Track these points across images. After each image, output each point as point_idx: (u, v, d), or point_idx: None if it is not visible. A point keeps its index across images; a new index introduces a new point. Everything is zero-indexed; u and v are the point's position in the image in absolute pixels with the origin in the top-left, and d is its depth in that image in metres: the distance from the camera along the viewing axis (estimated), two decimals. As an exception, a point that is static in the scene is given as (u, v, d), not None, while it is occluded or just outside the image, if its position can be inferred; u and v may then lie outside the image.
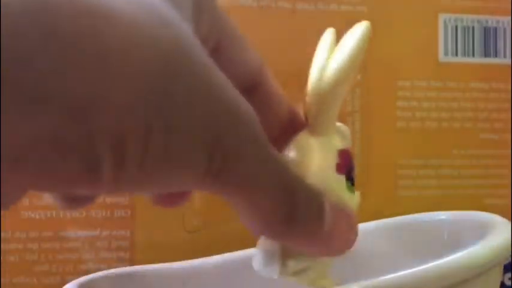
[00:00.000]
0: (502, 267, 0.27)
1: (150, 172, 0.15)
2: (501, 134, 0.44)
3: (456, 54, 0.44)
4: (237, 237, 0.29)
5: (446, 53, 0.44)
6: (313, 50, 0.21)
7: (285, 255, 0.20)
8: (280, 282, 0.21)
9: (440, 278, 0.23)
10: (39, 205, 0.37)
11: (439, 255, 0.24)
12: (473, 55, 0.44)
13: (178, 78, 0.15)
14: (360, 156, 0.42)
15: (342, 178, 0.20)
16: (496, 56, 0.44)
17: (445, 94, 0.43)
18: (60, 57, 0.13)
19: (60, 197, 0.18)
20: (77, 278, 0.29)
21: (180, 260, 0.32)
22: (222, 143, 0.16)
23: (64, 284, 0.28)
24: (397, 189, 0.42)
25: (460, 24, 0.44)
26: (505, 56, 0.44)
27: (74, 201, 0.18)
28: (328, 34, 0.21)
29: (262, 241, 0.20)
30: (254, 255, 0.20)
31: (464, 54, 0.44)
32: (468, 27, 0.44)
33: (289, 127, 0.21)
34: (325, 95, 0.20)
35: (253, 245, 0.20)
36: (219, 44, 0.19)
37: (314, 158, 0.20)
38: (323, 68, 0.20)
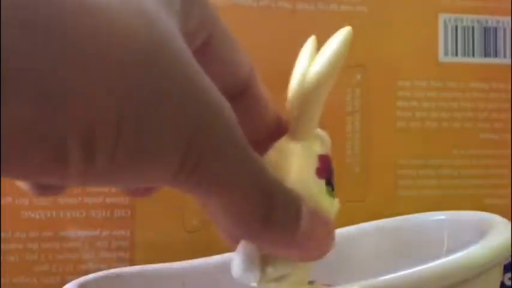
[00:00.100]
0: (502, 267, 0.27)
1: (121, 166, 0.15)
2: (501, 134, 0.44)
3: (456, 54, 0.44)
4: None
5: (446, 53, 0.44)
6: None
7: (263, 262, 0.19)
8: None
9: (440, 278, 0.23)
10: (39, 205, 0.37)
11: (439, 255, 0.24)
12: (473, 55, 0.44)
13: (154, 72, 0.15)
14: (360, 156, 0.42)
15: (322, 183, 0.20)
16: (496, 56, 0.44)
17: (445, 94, 0.43)
18: (33, 49, 0.13)
19: (32, 184, 0.18)
20: (77, 278, 0.29)
21: (180, 260, 0.32)
22: (199, 141, 0.16)
23: (64, 284, 0.28)
24: (397, 189, 0.42)
25: (460, 24, 0.44)
26: (505, 56, 0.44)
27: (46, 189, 0.18)
28: (310, 42, 0.22)
29: (241, 247, 0.20)
30: (232, 261, 0.20)
31: (464, 54, 0.44)
32: (468, 27, 0.44)
33: (274, 133, 0.21)
34: (307, 98, 0.20)
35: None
36: (210, 40, 0.19)
37: (294, 162, 0.20)
38: (305, 74, 0.20)
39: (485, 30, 0.44)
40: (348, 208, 0.42)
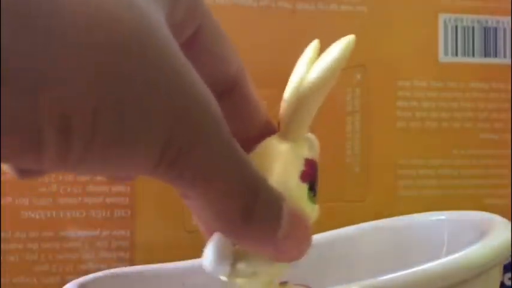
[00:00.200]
0: (502, 267, 0.27)
1: (98, 153, 0.15)
2: (501, 134, 0.44)
3: (456, 54, 0.44)
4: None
5: (446, 53, 0.44)
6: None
7: (236, 257, 0.19)
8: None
9: (440, 278, 0.23)
10: (39, 205, 0.37)
11: (439, 255, 0.24)
12: (473, 55, 0.44)
13: (135, 59, 0.15)
14: (360, 156, 0.42)
15: (305, 187, 0.20)
16: (496, 56, 0.44)
17: (445, 94, 0.43)
18: (12, 33, 0.13)
19: (13, 167, 0.18)
20: (77, 278, 0.29)
21: (180, 260, 0.32)
22: (181, 133, 0.16)
23: (64, 284, 0.28)
24: (397, 189, 0.42)
25: (460, 24, 0.44)
26: (505, 56, 0.44)
27: (24, 172, 0.18)
28: (312, 46, 0.22)
29: (215, 239, 0.19)
30: (204, 253, 0.20)
31: (464, 54, 0.44)
32: (468, 27, 0.44)
33: (263, 135, 0.21)
34: (301, 102, 0.20)
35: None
36: (199, 31, 0.19)
37: (280, 161, 0.20)
38: (303, 78, 0.20)
39: (485, 30, 0.44)
40: (348, 208, 0.42)
